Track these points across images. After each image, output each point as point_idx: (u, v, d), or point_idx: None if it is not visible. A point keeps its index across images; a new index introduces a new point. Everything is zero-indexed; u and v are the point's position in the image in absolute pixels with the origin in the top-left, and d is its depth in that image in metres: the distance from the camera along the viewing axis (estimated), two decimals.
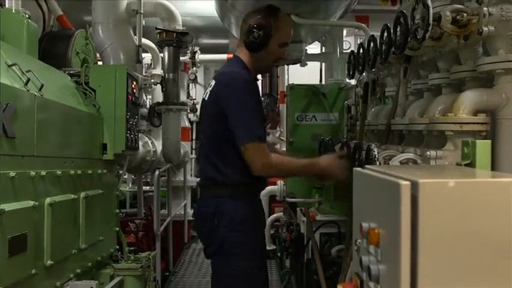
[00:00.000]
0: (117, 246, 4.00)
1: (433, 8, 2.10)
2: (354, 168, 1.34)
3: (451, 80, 2.41)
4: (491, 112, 2.07)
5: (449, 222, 0.98)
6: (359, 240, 1.26)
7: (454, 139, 2.08)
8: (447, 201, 0.98)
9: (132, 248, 4.19)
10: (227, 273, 2.64)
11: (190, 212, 7.88)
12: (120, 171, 4.24)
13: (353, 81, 5.23)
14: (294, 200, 4.70)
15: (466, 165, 1.32)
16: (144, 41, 5.34)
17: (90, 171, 3.43)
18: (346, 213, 3.73)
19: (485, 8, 1.99)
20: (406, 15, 2.27)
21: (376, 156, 2.04)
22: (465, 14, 1.99)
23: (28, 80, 2.64)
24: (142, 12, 4.78)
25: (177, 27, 5.21)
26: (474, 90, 2.11)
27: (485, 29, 1.98)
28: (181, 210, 7.48)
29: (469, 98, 2.06)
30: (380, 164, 2.08)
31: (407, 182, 0.98)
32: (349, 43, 8.30)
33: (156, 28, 5.05)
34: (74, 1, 5.39)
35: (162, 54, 5.94)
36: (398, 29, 2.39)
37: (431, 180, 0.99)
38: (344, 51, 6.52)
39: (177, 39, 5.15)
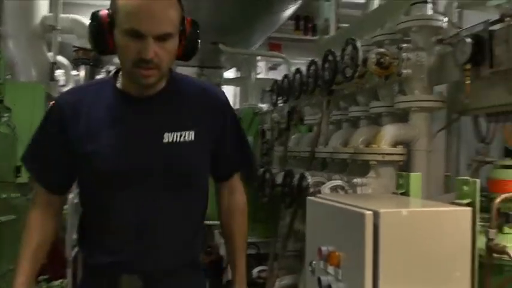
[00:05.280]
0: None
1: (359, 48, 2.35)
2: (308, 198, 1.48)
3: (370, 114, 2.68)
4: (407, 144, 2.35)
5: (405, 245, 1.16)
6: (314, 262, 1.39)
7: (376, 168, 2.32)
8: (403, 228, 1.16)
9: (45, 277, 3.95)
10: None
11: None
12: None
13: (265, 106, 5.46)
14: (210, 222, 4.74)
15: (401, 194, 1.52)
16: (57, 57, 5.14)
17: (4, 195, 3.23)
18: (266, 235, 3.87)
19: (404, 54, 2.27)
20: (335, 54, 2.51)
21: (310, 183, 2.21)
22: (387, 57, 2.26)
23: None
24: (59, 28, 4.63)
25: None
26: (394, 124, 2.38)
27: (404, 71, 2.26)
28: None
29: (389, 132, 2.31)
30: (312, 190, 2.25)
31: (370, 212, 1.14)
32: (261, 68, 8.64)
33: (74, 46, 4.91)
34: None
35: (74, 72, 5.76)
36: (326, 65, 2.62)
37: (390, 210, 1.16)
38: (257, 76, 6.79)
39: (94, 58, 5.03)
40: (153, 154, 1.41)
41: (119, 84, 1.46)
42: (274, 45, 7.02)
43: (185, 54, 1.43)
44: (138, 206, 1.41)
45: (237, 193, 1.68)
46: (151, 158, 1.41)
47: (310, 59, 4.39)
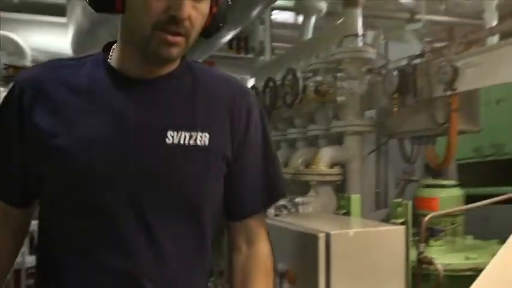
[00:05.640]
0: None
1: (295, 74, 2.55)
2: None
3: (307, 136, 2.89)
4: (343, 165, 2.56)
5: (352, 260, 1.34)
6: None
7: (316, 187, 2.51)
8: (350, 246, 1.34)
9: None
10: None
11: (29, 258, 7.21)
12: None
13: None
14: None
15: (343, 214, 1.70)
16: None
17: None
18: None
19: (338, 82, 2.49)
20: (275, 81, 2.69)
21: None
22: (324, 86, 2.47)
23: None
24: None
25: (25, 63, 4.95)
26: (330, 147, 2.59)
27: (339, 98, 2.48)
28: (19, 257, 6.81)
29: (327, 154, 2.52)
30: None
31: (323, 234, 1.31)
32: None
33: (4, 64, 4.75)
34: None
35: (2, 89, 5.54)
36: (267, 90, 2.79)
37: (339, 232, 1.33)
38: None
39: None
40: (149, 158, 0.96)
41: (111, 62, 1.02)
42: (208, 63, 7.16)
43: (211, 26, 1.01)
44: (117, 238, 0.94)
45: (260, 242, 1.10)
46: (146, 163, 0.96)
47: (242, 76, 4.50)
